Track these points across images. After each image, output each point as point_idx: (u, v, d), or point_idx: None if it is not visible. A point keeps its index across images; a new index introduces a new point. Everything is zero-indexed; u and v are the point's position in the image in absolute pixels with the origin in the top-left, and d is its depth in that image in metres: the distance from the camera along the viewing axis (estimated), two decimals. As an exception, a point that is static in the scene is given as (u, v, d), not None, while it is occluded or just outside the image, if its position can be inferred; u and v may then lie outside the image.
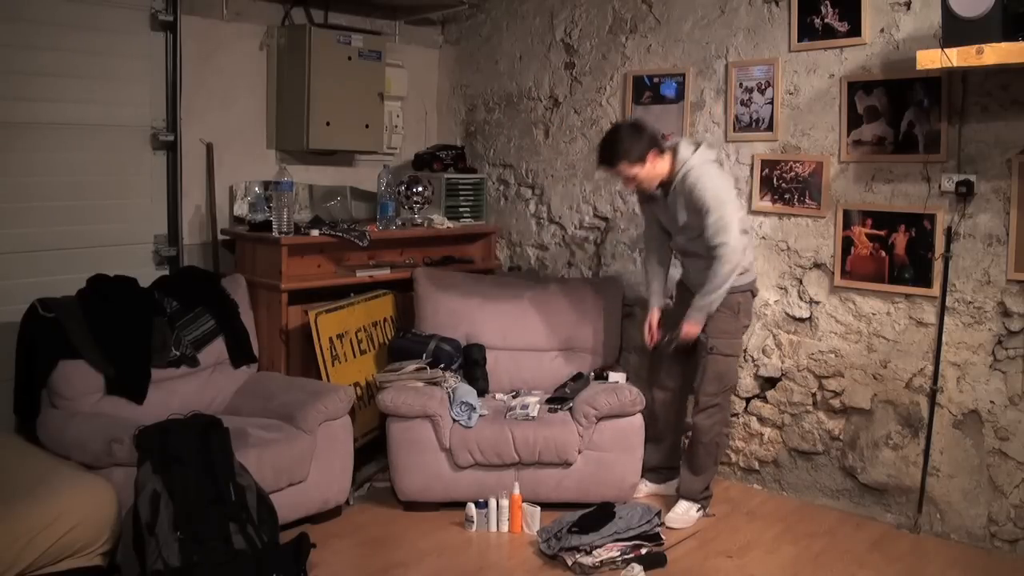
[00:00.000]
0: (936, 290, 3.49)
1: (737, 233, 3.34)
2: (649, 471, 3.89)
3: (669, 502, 3.73)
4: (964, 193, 3.37)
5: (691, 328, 3.51)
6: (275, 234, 3.94)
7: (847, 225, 3.71)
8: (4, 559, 2.61)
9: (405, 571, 3.20)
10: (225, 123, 4.22)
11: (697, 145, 3.50)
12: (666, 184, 3.49)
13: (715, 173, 3.42)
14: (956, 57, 3.01)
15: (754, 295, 3.70)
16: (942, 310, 3.49)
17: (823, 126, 3.75)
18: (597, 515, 3.34)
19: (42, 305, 3.39)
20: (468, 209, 4.84)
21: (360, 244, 4.13)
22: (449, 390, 3.73)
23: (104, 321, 3.45)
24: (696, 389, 3.62)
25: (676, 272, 3.87)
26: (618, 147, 3.40)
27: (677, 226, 3.53)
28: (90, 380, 3.39)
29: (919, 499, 3.58)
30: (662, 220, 3.66)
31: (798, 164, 3.83)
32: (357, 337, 4.06)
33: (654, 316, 3.75)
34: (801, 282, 3.86)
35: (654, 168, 3.41)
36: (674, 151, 3.45)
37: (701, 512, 3.66)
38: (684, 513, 3.62)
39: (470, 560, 3.30)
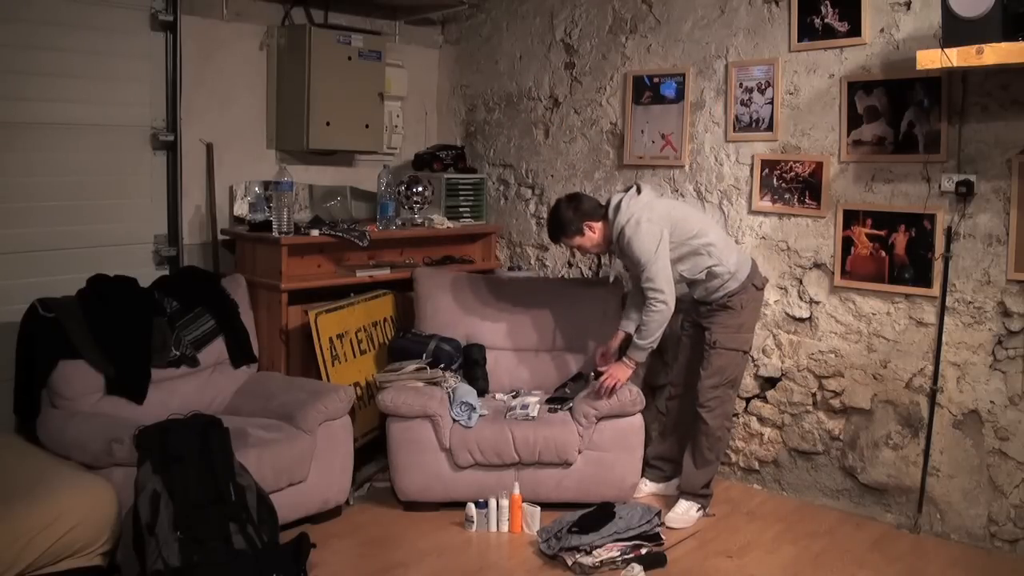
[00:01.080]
0: (936, 290, 3.49)
1: (666, 285, 3.47)
2: (652, 464, 3.91)
3: (669, 503, 3.73)
4: (964, 193, 3.37)
5: (619, 371, 3.57)
6: (275, 234, 3.94)
7: (847, 225, 3.71)
8: (4, 559, 2.61)
9: (405, 571, 3.20)
10: (225, 123, 4.22)
11: (625, 192, 3.60)
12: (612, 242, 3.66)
13: (643, 230, 3.48)
14: (956, 57, 3.01)
15: (757, 288, 3.68)
16: (942, 310, 3.49)
17: (823, 126, 3.75)
18: (597, 515, 3.35)
19: (42, 305, 3.39)
20: (468, 209, 4.84)
21: (360, 244, 4.13)
22: (449, 390, 3.73)
23: (104, 321, 3.45)
24: (699, 383, 3.64)
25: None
26: (557, 224, 3.67)
27: (633, 274, 3.69)
28: (90, 380, 3.39)
29: (919, 499, 3.58)
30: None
31: (798, 164, 3.83)
32: (357, 337, 4.06)
33: (615, 340, 3.82)
34: (801, 282, 3.86)
35: (595, 235, 3.63)
36: (605, 214, 3.60)
37: (701, 512, 3.66)
38: (684, 513, 3.63)
39: (470, 560, 3.30)
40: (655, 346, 3.60)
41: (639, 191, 3.58)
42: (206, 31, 4.11)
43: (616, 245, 3.61)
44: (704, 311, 3.67)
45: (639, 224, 3.48)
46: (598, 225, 3.62)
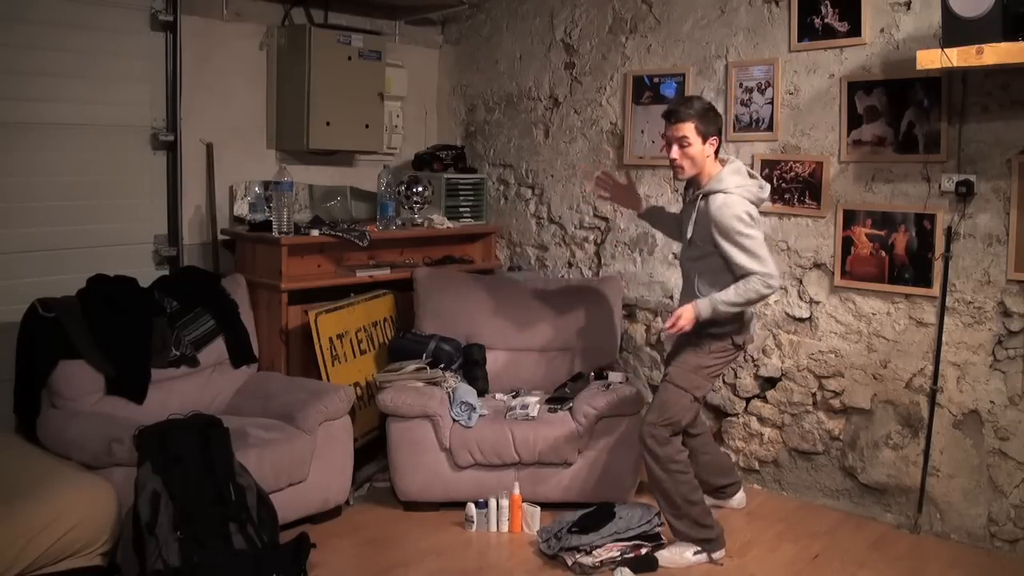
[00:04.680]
0: (936, 290, 3.49)
1: (773, 268, 3.08)
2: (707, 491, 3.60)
3: (731, 515, 3.59)
4: (964, 193, 3.37)
5: (684, 313, 3.13)
6: (275, 234, 3.94)
7: (847, 225, 3.71)
8: (4, 559, 2.61)
9: (405, 571, 3.20)
10: (225, 123, 4.22)
11: (737, 169, 3.23)
12: (695, 188, 3.27)
13: (743, 214, 3.11)
14: (956, 57, 3.01)
15: (736, 347, 3.26)
16: (942, 310, 3.49)
17: (823, 126, 3.75)
18: (597, 515, 3.34)
19: (42, 305, 3.39)
20: (468, 209, 4.84)
21: (360, 244, 4.13)
22: (449, 390, 3.73)
23: (104, 321, 3.45)
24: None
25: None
26: (695, 107, 3.18)
27: (686, 237, 3.29)
28: (90, 380, 3.39)
29: (919, 499, 3.58)
30: (681, 226, 3.40)
31: (798, 164, 3.83)
32: (357, 337, 4.06)
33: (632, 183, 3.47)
34: (801, 282, 3.86)
35: (704, 153, 3.16)
36: (722, 163, 3.24)
37: (704, 556, 3.26)
38: (677, 554, 3.26)
39: (470, 560, 3.30)
40: (729, 313, 3.13)
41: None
42: (206, 31, 4.11)
43: (703, 195, 3.17)
44: (678, 340, 3.36)
45: (741, 199, 3.08)
46: (713, 156, 3.19)
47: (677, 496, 3.24)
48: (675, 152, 3.18)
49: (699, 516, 3.26)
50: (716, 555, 3.28)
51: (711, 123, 3.18)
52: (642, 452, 3.27)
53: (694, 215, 3.22)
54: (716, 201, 3.11)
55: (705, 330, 3.22)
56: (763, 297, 3.13)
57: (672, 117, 3.19)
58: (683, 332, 3.19)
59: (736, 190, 3.13)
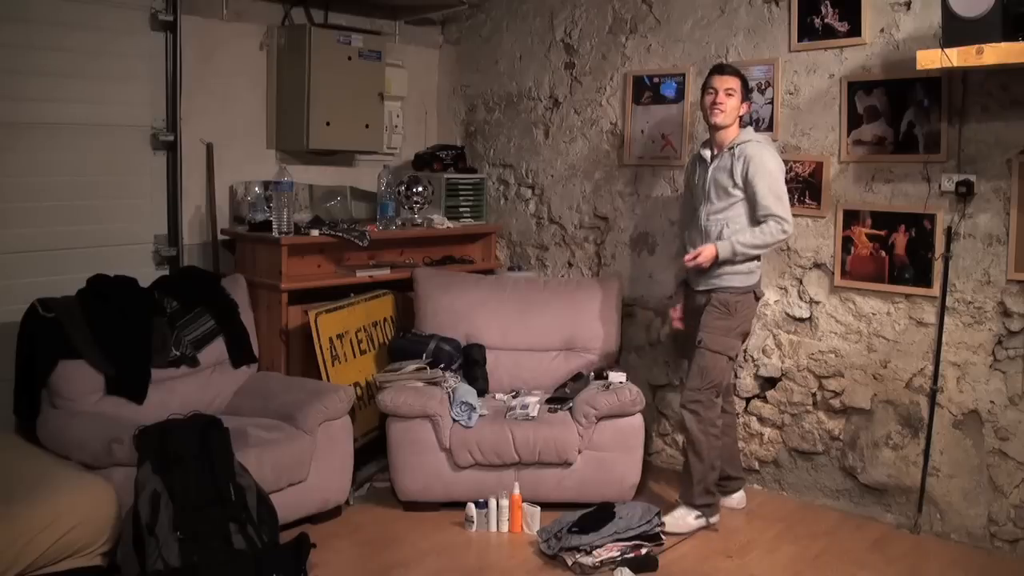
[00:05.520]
0: (936, 290, 3.49)
1: (790, 215, 3.39)
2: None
3: (730, 515, 3.65)
4: (964, 193, 3.38)
5: (706, 251, 3.42)
6: (275, 234, 3.94)
7: (847, 225, 3.71)
8: (4, 559, 2.62)
9: (405, 571, 3.20)
10: (225, 123, 4.22)
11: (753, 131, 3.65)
12: (716, 147, 3.54)
13: (778, 160, 3.49)
14: (956, 57, 3.01)
15: (757, 298, 3.58)
16: (942, 310, 3.49)
17: (823, 126, 3.75)
18: (597, 515, 3.34)
19: (42, 305, 3.39)
20: (468, 209, 4.84)
21: (360, 244, 4.13)
22: (449, 390, 3.73)
23: (104, 321, 3.45)
24: (683, 384, 3.58)
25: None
26: (741, 71, 3.57)
27: (709, 194, 3.51)
28: (90, 380, 3.39)
29: (919, 499, 3.58)
30: (695, 192, 3.62)
31: (798, 164, 3.82)
32: (357, 337, 4.06)
33: (681, 300, 3.78)
34: (801, 282, 3.86)
35: (738, 111, 3.52)
36: (741, 127, 3.58)
37: (703, 520, 3.52)
38: (680, 519, 3.50)
39: (470, 560, 3.30)
40: (746, 255, 3.43)
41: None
42: (206, 31, 4.11)
43: (734, 150, 3.46)
44: (699, 307, 3.55)
45: (772, 150, 3.48)
46: (743, 112, 3.55)
47: (708, 460, 3.49)
48: (721, 96, 3.49)
49: (711, 484, 3.54)
50: (713, 519, 3.56)
51: (748, 91, 3.58)
52: (685, 418, 3.49)
53: (735, 164, 3.45)
54: (751, 147, 3.45)
55: (725, 290, 3.47)
56: (779, 242, 3.45)
57: (725, 70, 3.55)
58: (700, 268, 3.47)
59: (763, 139, 3.55)
